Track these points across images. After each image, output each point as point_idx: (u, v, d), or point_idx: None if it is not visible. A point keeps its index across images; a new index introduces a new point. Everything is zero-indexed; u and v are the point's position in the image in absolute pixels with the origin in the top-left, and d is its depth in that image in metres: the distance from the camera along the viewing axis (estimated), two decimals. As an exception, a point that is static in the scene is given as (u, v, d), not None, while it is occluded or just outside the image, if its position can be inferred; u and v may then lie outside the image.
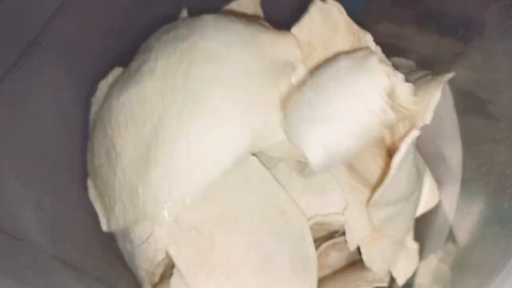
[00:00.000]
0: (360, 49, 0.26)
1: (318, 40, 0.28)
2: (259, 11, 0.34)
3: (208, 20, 0.28)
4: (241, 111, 0.25)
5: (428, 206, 0.31)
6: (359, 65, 0.24)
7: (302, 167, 0.26)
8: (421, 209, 0.30)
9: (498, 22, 0.25)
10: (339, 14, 0.27)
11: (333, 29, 0.28)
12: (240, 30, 0.27)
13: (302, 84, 0.26)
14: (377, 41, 0.34)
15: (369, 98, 0.23)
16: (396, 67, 0.32)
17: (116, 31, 0.32)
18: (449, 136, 0.29)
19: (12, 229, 0.25)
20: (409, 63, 0.32)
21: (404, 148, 0.23)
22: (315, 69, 0.26)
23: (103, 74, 0.32)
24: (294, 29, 0.28)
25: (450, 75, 0.27)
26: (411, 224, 0.29)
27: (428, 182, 0.31)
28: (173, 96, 0.25)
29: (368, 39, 0.26)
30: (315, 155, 0.23)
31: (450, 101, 0.29)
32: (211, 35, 0.27)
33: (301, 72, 0.27)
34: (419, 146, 0.33)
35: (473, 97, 0.28)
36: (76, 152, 0.32)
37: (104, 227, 0.29)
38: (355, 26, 0.27)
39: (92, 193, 0.30)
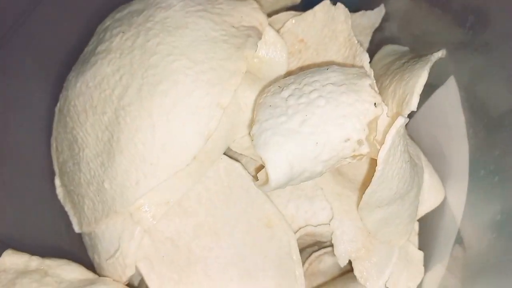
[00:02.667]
0: (354, 66, 0.24)
1: (312, 41, 0.26)
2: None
3: None
4: (206, 82, 0.22)
5: (433, 205, 0.28)
6: (349, 83, 0.21)
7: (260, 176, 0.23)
8: (425, 208, 0.27)
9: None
10: (344, 23, 0.25)
11: (332, 36, 0.26)
12: None
13: (281, 80, 0.23)
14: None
15: (350, 126, 0.20)
16: (390, 53, 0.29)
17: (85, 26, 0.29)
18: (455, 135, 0.26)
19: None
20: (403, 49, 0.29)
21: (390, 140, 0.20)
22: (302, 72, 0.23)
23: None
24: (293, 20, 0.26)
25: (439, 54, 0.24)
26: (411, 227, 0.26)
27: (431, 179, 0.28)
28: (131, 74, 0.23)
29: (364, 58, 0.24)
30: (277, 171, 0.20)
31: (456, 99, 0.26)
32: (167, 6, 0.24)
33: (268, 35, 0.25)
34: (421, 144, 0.29)
35: (483, 94, 0.24)
36: (44, 152, 0.29)
37: (76, 227, 0.26)
38: (355, 41, 0.25)
39: (61, 193, 0.27)
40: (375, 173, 0.21)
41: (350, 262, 0.30)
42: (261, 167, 0.23)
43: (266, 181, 0.21)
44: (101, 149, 0.23)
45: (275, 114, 0.21)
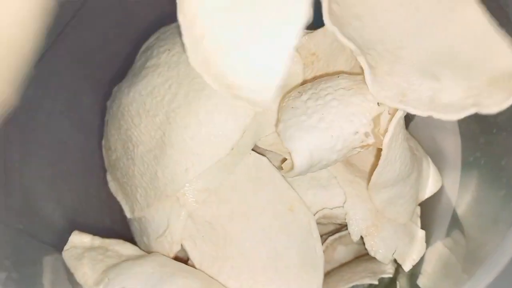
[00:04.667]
0: (359, 74, 0.28)
1: (323, 54, 0.30)
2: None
3: None
4: None
5: (432, 191, 0.32)
6: (357, 87, 0.26)
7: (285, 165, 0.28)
8: (425, 194, 0.32)
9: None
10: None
11: (341, 49, 0.30)
12: None
13: (300, 87, 0.28)
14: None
15: (358, 121, 0.25)
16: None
17: (129, 37, 0.34)
18: (448, 129, 0.31)
19: (36, 229, 0.27)
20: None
21: (392, 128, 0.25)
22: (316, 80, 0.28)
23: (119, 79, 0.33)
24: (306, 37, 0.30)
25: None
26: (413, 207, 0.31)
27: (430, 168, 0.32)
28: (179, 83, 0.28)
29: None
30: (301, 159, 0.25)
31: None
32: None
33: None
34: (421, 144, 0.34)
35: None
36: (94, 152, 0.33)
37: (128, 214, 0.31)
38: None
39: (113, 186, 0.32)
40: (381, 157, 0.25)
41: (364, 249, 0.34)
42: (285, 159, 0.28)
43: (291, 168, 0.26)
44: (154, 145, 0.28)
45: (296, 114, 0.26)
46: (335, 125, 0.25)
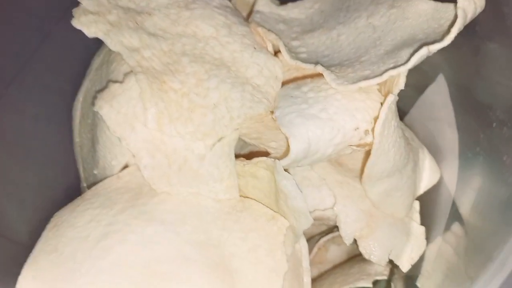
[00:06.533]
0: None
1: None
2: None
3: None
4: None
5: (431, 183, 0.31)
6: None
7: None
8: (424, 186, 0.31)
9: (490, 20, 0.25)
10: None
11: None
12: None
13: (297, 81, 0.27)
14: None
15: (361, 117, 0.25)
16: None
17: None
18: (446, 125, 0.30)
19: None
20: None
21: (383, 114, 0.24)
22: (315, 76, 0.27)
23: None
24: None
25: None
26: (411, 200, 0.30)
27: (427, 159, 0.31)
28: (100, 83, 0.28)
29: None
30: (298, 145, 0.24)
31: (446, 93, 0.30)
32: None
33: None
34: (417, 136, 0.33)
35: (468, 86, 0.28)
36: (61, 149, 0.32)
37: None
38: None
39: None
40: (373, 146, 0.25)
41: (356, 249, 0.33)
42: (264, 153, 0.27)
43: (285, 155, 0.25)
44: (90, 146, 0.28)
45: (297, 102, 0.26)
46: (337, 118, 0.25)
